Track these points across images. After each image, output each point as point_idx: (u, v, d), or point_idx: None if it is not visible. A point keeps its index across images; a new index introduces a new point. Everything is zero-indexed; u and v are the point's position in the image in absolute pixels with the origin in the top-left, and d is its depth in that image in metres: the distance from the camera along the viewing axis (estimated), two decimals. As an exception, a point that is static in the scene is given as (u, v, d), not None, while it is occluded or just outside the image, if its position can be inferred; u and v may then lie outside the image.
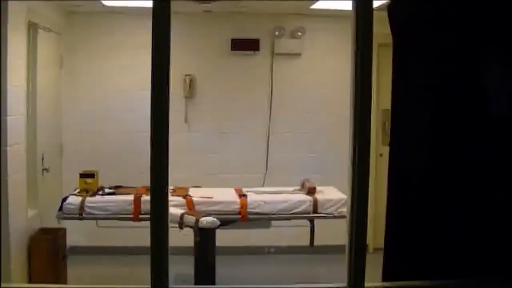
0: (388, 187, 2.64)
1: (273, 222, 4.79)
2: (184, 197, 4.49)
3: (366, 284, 2.46)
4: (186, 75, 6.04)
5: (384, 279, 2.58)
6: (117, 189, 4.66)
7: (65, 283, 4.75)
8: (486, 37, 2.58)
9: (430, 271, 2.63)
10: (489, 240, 2.65)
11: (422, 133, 2.64)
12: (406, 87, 2.63)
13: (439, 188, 2.63)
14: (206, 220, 4.27)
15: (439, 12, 2.56)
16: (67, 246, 5.10)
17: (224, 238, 4.68)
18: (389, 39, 2.64)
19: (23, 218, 4.42)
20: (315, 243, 4.66)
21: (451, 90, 2.61)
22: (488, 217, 2.64)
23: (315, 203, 4.54)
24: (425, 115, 2.64)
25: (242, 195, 4.59)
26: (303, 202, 4.56)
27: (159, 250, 2.40)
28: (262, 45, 6.10)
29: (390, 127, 2.67)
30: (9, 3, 3.24)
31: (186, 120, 6.10)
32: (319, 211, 4.55)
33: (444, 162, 2.63)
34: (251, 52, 6.11)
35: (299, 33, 6.09)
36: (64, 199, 4.42)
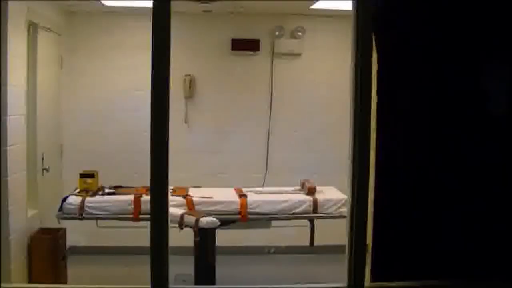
0: (375, 185, 2.65)
1: (273, 222, 4.79)
2: (184, 197, 4.50)
3: (366, 284, 2.46)
4: (186, 75, 6.05)
5: (373, 278, 2.57)
6: (117, 189, 4.66)
7: (65, 283, 4.75)
8: (465, 35, 2.57)
9: (417, 270, 2.63)
10: (480, 239, 2.65)
11: (406, 132, 2.64)
12: (390, 87, 2.63)
13: (427, 186, 2.63)
14: (206, 220, 4.27)
15: (421, 10, 2.56)
16: (67, 246, 5.10)
17: (224, 238, 4.68)
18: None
19: (23, 218, 4.42)
20: (315, 243, 4.66)
21: (433, 88, 2.60)
22: (479, 215, 2.65)
23: (315, 203, 4.54)
24: (408, 114, 2.64)
25: (242, 195, 4.59)
26: (303, 202, 4.56)
27: (159, 250, 2.40)
28: (262, 45, 6.10)
29: (376, 126, 2.68)
30: (9, 3, 3.24)
31: (186, 120, 6.10)
32: (319, 211, 4.55)
33: (429, 160, 2.63)
34: (251, 52, 6.11)
35: (299, 33, 6.09)
36: (64, 199, 4.42)
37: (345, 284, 2.51)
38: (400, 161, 2.63)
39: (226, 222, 4.47)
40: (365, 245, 2.49)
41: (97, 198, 4.47)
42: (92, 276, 5.03)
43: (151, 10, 2.37)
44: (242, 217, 4.45)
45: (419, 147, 2.64)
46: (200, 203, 4.46)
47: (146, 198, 4.30)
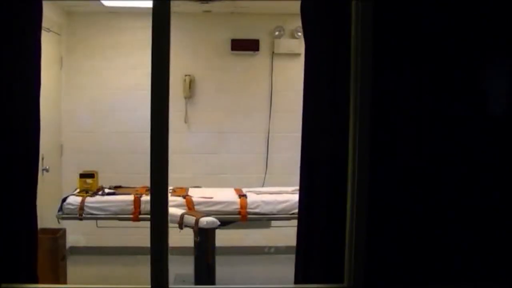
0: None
1: (273, 222, 4.78)
2: (184, 197, 4.50)
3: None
4: (186, 75, 6.05)
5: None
6: (117, 189, 4.66)
7: (65, 283, 4.75)
8: (396, 35, 2.57)
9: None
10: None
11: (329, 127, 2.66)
12: (317, 84, 2.64)
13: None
14: (206, 220, 4.27)
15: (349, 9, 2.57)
16: (67, 246, 5.10)
17: (224, 238, 4.67)
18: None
19: (23, 218, 4.42)
20: (315, 243, 4.65)
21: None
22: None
23: (315, 203, 4.54)
24: (332, 113, 2.65)
25: (242, 195, 4.59)
26: (303, 202, 4.55)
27: (159, 250, 2.40)
28: (262, 45, 6.10)
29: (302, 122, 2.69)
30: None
31: (186, 120, 6.10)
32: (319, 211, 4.54)
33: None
34: (251, 52, 6.11)
35: (299, 33, 6.09)
36: (64, 199, 4.42)
37: (345, 284, 2.52)
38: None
39: (226, 222, 4.47)
40: (364, 245, 2.49)
41: (97, 198, 4.47)
42: (92, 276, 5.03)
43: (151, 10, 2.37)
44: (242, 217, 4.45)
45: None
46: (200, 203, 4.45)
47: (146, 198, 4.29)
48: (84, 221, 4.46)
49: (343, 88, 2.57)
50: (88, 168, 4.69)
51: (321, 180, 2.67)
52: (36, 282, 2.69)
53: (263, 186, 5.68)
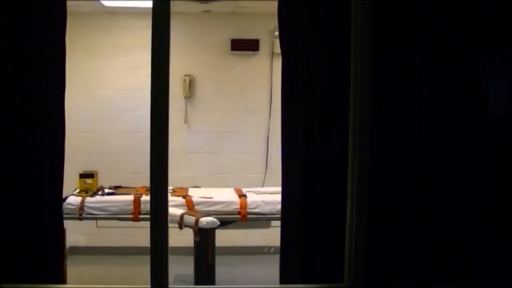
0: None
1: (273, 222, 4.78)
2: (184, 197, 4.50)
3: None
4: (185, 75, 6.05)
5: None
6: (117, 189, 4.67)
7: (65, 283, 4.74)
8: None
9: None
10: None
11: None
12: (294, 85, 2.64)
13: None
14: (205, 220, 4.27)
15: (323, 12, 2.57)
16: (67, 246, 5.09)
17: (224, 238, 4.67)
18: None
19: (23, 218, 4.41)
20: (315, 243, 4.65)
21: (330, 86, 2.60)
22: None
23: (315, 203, 4.54)
24: (303, 114, 2.65)
25: (242, 195, 4.59)
26: (303, 202, 4.55)
27: (159, 250, 2.40)
28: (261, 45, 6.10)
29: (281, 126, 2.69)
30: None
31: (185, 120, 6.10)
32: (319, 211, 4.54)
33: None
34: (251, 52, 6.11)
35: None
36: (64, 199, 4.42)
37: (345, 284, 2.52)
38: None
39: (226, 222, 4.47)
40: (364, 245, 2.49)
41: (97, 198, 4.47)
42: (92, 276, 5.02)
43: (151, 10, 2.37)
44: (242, 217, 4.45)
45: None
46: (200, 203, 4.46)
47: (146, 198, 4.29)
48: (84, 221, 4.46)
49: (323, 89, 2.57)
50: (88, 168, 4.69)
51: (299, 181, 2.67)
52: (64, 282, 2.70)
53: (263, 186, 5.68)
